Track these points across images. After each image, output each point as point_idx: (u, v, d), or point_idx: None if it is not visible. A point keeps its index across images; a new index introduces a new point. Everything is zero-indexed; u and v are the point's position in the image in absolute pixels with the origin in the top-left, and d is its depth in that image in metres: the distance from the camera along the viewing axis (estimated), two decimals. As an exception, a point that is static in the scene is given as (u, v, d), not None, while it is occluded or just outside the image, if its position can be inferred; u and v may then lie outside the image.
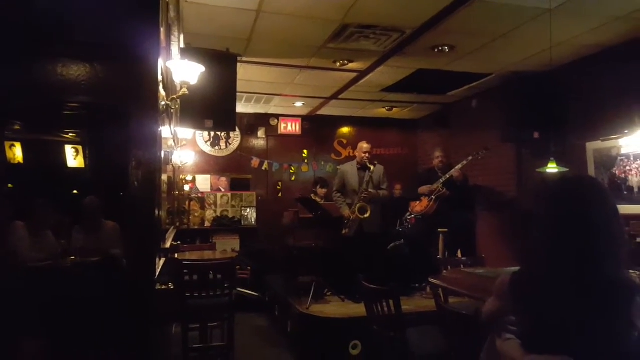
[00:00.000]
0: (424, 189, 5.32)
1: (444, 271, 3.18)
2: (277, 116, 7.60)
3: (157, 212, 2.53)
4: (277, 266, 6.42)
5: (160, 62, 2.42)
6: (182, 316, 4.15)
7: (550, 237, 1.44)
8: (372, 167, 5.04)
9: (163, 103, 2.52)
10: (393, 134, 8.04)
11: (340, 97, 6.36)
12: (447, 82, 5.89)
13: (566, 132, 4.80)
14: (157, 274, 2.53)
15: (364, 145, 5.22)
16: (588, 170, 4.60)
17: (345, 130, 7.98)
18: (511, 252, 5.45)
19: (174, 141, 4.77)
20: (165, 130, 3.49)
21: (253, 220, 7.24)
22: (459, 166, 5.15)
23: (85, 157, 2.69)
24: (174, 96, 2.66)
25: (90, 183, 2.66)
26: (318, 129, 7.77)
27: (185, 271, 4.09)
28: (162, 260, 2.79)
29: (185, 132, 5.04)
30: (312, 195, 6.45)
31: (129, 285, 2.19)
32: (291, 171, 7.68)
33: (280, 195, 7.62)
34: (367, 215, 4.91)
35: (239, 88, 4.91)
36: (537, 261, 1.47)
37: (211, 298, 4.09)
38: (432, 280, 3.03)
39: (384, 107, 7.00)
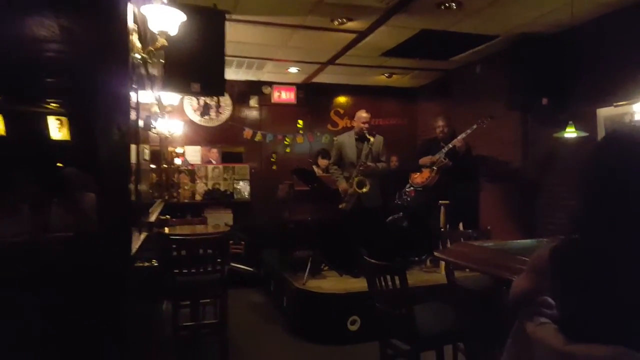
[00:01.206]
0: (424, 159, 5.06)
1: (450, 245, 2.92)
2: (270, 84, 7.25)
3: (133, 183, 2.27)
4: (272, 241, 6.21)
5: (133, 8, 2.10)
6: (171, 293, 3.94)
7: (604, 205, 1.18)
8: (371, 139, 4.76)
9: (138, 56, 2.21)
10: (392, 104, 7.73)
11: (337, 62, 6.01)
12: (450, 47, 5.56)
13: (575, 98, 4.53)
14: (137, 249, 2.27)
15: (363, 115, 4.93)
16: (599, 137, 4.34)
17: (342, 99, 7.65)
18: (516, 224, 5.26)
19: (158, 108, 4.45)
20: (147, 95, 3.17)
21: (246, 193, 6.98)
22: (462, 135, 4.89)
23: (63, 127, 2.40)
24: (152, 48, 2.34)
25: (58, 153, 2.36)
26: (314, 98, 7.44)
27: (173, 246, 3.86)
28: (143, 235, 2.52)
29: (171, 98, 4.72)
30: (314, 166, 6.20)
31: (103, 261, 1.93)
32: (286, 142, 7.39)
33: (274, 167, 7.34)
34: (365, 189, 4.66)
35: (228, 51, 4.58)
36: (589, 233, 1.21)
37: (202, 274, 3.86)
38: (437, 254, 2.80)
39: (383, 74, 6.67)
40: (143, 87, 2.79)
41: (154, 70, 3.62)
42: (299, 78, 7.01)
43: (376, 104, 7.51)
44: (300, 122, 7.46)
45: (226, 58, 5.75)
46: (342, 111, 7.64)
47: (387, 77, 6.71)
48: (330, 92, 7.51)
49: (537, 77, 4.73)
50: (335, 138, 5.11)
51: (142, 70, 2.58)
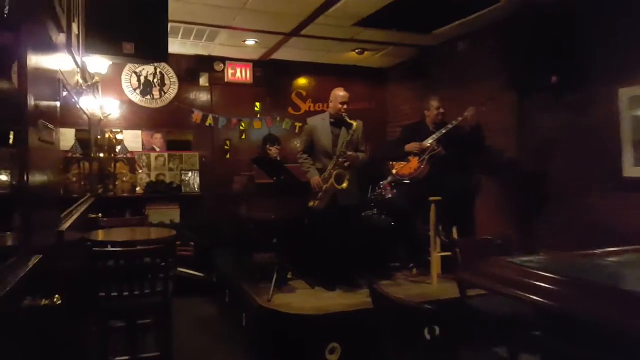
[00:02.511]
0: (411, 146, 4.33)
1: (484, 264, 2.15)
2: (223, 59, 6.27)
3: (24, 175, 1.37)
4: (227, 241, 5.31)
5: None
6: (99, 317, 3.02)
7: None
8: (354, 123, 3.95)
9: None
10: (360, 85, 6.94)
11: (303, 33, 5.15)
12: (434, 17, 4.85)
13: (590, 76, 3.94)
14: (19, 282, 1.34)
15: (340, 93, 4.10)
16: (621, 121, 3.77)
17: (304, 79, 6.79)
18: (512, 224, 4.66)
19: (82, 78, 3.41)
20: (61, 60, 2.19)
21: (196, 186, 6.01)
22: (460, 119, 4.17)
23: None
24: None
25: None
26: (273, 77, 6.54)
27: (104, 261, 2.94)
28: (34, 260, 1.59)
29: (99, 65, 3.68)
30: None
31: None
32: (241, 127, 6.45)
33: (228, 156, 6.40)
34: (344, 185, 3.85)
35: (173, 16, 3.65)
36: None
37: (139, 298, 2.95)
38: (469, 277, 2.04)
39: (354, 50, 5.87)
40: (51, 46, 1.83)
41: (72, 26, 2.61)
42: (256, 53, 6.08)
43: (343, 85, 6.57)
44: (258, 104, 6.55)
45: (171, 24, 4.78)
46: (304, 93, 6.78)
47: (357, 53, 5.92)
48: (291, 70, 6.62)
49: (543, 52, 4.11)
50: (306, 121, 4.24)
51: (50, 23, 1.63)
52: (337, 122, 4.07)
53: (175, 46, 5.70)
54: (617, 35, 3.73)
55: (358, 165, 4.10)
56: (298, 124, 6.61)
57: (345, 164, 3.91)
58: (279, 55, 6.14)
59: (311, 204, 3.99)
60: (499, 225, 4.60)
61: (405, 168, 4.38)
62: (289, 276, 4.24)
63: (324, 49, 5.83)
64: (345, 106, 4.04)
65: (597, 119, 3.91)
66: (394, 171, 4.46)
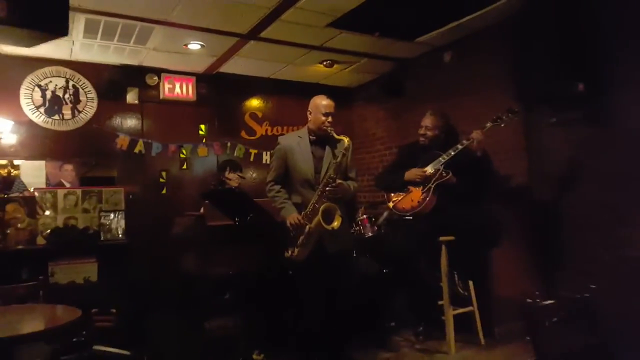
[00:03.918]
0: (414, 173, 3.38)
1: None
2: (157, 71, 5.10)
3: None
4: (166, 307, 4.01)
5: None
6: None
7: None
8: (344, 140, 2.95)
9: None
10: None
11: (263, 35, 4.16)
12: (422, 21, 4.07)
13: (617, 81, 3.26)
14: None
15: (324, 102, 3.09)
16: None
17: (260, 98, 5.76)
18: (536, 271, 3.79)
19: None
20: None
21: (120, 232, 4.64)
22: (477, 135, 3.28)
23: None
24: None
25: None
26: (222, 95, 5.45)
27: None
28: None
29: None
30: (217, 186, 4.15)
31: None
32: (182, 155, 5.25)
33: (164, 191, 5.14)
34: (335, 223, 2.79)
35: (89, 3, 2.54)
36: None
37: None
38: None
39: (322, 62, 4.94)
40: None
41: None
42: (201, 64, 4.99)
43: (304, 107, 5.72)
44: (203, 127, 5.40)
45: (87, 17, 3.63)
46: (260, 114, 5.73)
47: (326, 66, 4.99)
48: (244, 87, 5.57)
49: (558, 56, 3.40)
50: (279, 141, 3.15)
51: None
52: (320, 140, 3.05)
53: (95, 52, 4.50)
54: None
55: (348, 197, 3.08)
56: (253, 151, 5.54)
57: (335, 196, 2.87)
58: (229, 67, 5.09)
59: (288, 253, 2.87)
60: (517, 272, 3.71)
61: (405, 200, 3.41)
62: (257, 355, 3.07)
63: (287, 59, 4.85)
64: (330, 118, 3.03)
65: (634, 131, 3.21)
66: (390, 204, 3.47)
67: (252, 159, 5.52)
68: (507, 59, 3.89)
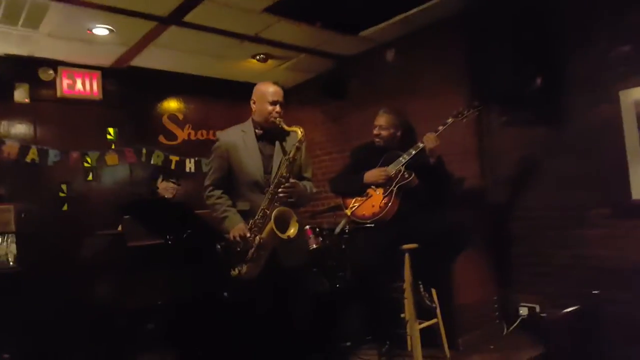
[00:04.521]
0: (375, 174, 3.02)
1: None
2: (53, 63, 4.29)
3: None
4: (74, 348, 3.23)
5: None
6: None
7: None
8: (298, 131, 2.51)
9: None
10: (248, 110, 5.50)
11: (187, 19, 3.59)
12: (367, 12, 3.77)
13: (575, 79, 3.19)
14: None
15: (270, 89, 2.64)
16: (625, 129, 3.03)
17: (181, 99, 5.09)
18: (495, 276, 3.60)
19: None
20: None
21: (10, 258, 3.76)
22: (428, 141, 2.98)
23: None
24: None
25: None
26: (134, 93, 4.73)
27: None
28: None
29: None
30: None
31: None
32: (86, 164, 4.44)
33: (66, 208, 4.30)
34: (291, 231, 2.35)
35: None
36: None
37: None
38: None
39: (255, 56, 4.45)
40: None
41: None
42: (109, 55, 4.27)
43: (233, 108, 5.17)
44: (112, 131, 4.64)
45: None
46: (181, 116, 5.08)
47: (259, 60, 4.50)
48: (162, 85, 4.89)
49: (514, 52, 3.26)
50: (217, 137, 2.63)
51: None
52: (268, 134, 2.60)
53: (-31, 36, 3.62)
54: (618, 17, 3.03)
55: (305, 201, 2.65)
56: (174, 158, 4.89)
57: (288, 199, 2.42)
58: (144, 60, 4.41)
59: (235, 272, 2.35)
60: (474, 278, 3.51)
61: (365, 206, 3.03)
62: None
63: (215, 51, 4.29)
64: (278, 108, 2.58)
65: (588, 131, 3.15)
66: (348, 212, 3.06)
67: (173, 166, 4.85)
68: (458, 57, 3.73)
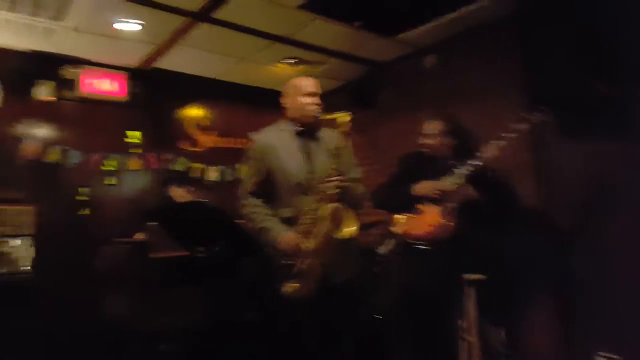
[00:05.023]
0: (428, 186, 2.71)
1: None
2: (77, 62, 4.13)
3: None
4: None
5: None
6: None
7: None
8: (344, 115, 2.26)
9: None
10: (279, 119, 5.25)
11: (218, 15, 3.41)
12: (411, 13, 3.54)
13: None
14: None
15: (304, 81, 2.41)
16: None
17: (206, 103, 4.90)
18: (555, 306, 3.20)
19: None
20: None
21: (27, 263, 3.57)
22: (496, 144, 2.69)
23: None
24: None
25: None
26: (160, 96, 4.56)
27: None
28: None
29: None
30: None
31: None
32: (108, 167, 4.25)
33: (86, 212, 4.10)
34: (352, 228, 2.09)
35: None
36: None
37: None
38: None
39: (286, 60, 4.24)
40: None
41: None
42: (135, 54, 4.11)
43: (259, 116, 4.96)
44: (136, 134, 4.45)
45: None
46: (206, 123, 4.88)
47: (292, 65, 4.30)
48: (187, 88, 4.71)
49: (579, 52, 2.97)
50: (252, 139, 2.40)
51: None
52: (308, 129, 2.33)
53: (-6, 30, 3.48)
54: None
55: (359, 202, 2.37)
56: (197, 166, 4.67)
57: (340, 197, 2.14)
58: (170, 62, 4.25)
59: (288, 288, 2.08)
60: (539, 317, 3.12)
61: (417, 223, 2.70)
62: None
63: (243, 53, 4.10)
64: (315, 100, 2.33)
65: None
66: (396, 229, 2.76)
67: (199, 174, 4.65)
68: (509, 61, 3.44)
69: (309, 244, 2.04)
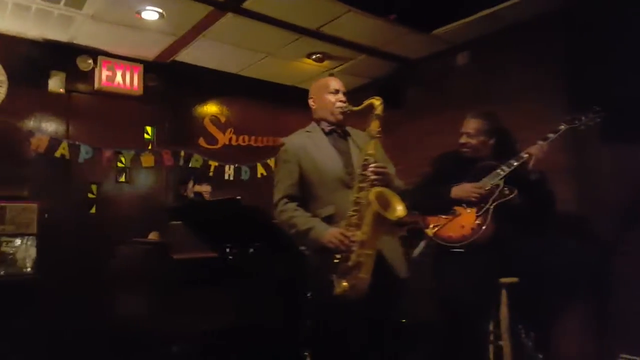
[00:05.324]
0: (467, 189, 2.55)
1: None
2: (94, 52, 3.97)
3: None
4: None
5: None
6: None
7: None
8: (374, 101, 2.09)
9: None
10: (297, 118, 5.05)
11: (245, 5, 3.23)
12: (447, 7, 3.37)
13: None
14: None
15: (329, 81, 2.33)
16: None
17: (225, 99, 4.72)
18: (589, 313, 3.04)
19: None
20: None
21: (29, 263, 3.40)
22: (536, 151, 2.51)
23: None
24: None
25: None
26: (176, 90, 4.39)
27: None
28: None
29: None
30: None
31: None
32: (120, 164, 4.07)
33: (94, 210, 3.91)
34: (399, 209, 1.89)
35: None
36: None
37: None
38: None
39: (311, 55, 4.07)
40: None
41: None
42: (154, 46, 3.94)
43: (279, 115, 4.85)
44: (150, 130, 4.28)
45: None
46: (223, 119, 4.70)
47: (315, 60, 4.13)
48: (205, 83, 4.53)
49: (626, 50, 2.79)
50: (284, 143, 2.24)
51: None
52: (339, 128, 2.27)
53: (8, 15, 3.33)
54: None
55: (397, 190, 2.18)
56: (213, 163, 4.48)
57: (379, 182, 1.99)
58: (189, 55, 4.08)
59: (341, 288, 1.87)
60: (571, 322, 2.96)
61: (452, 226, 2.55)
62: None
63: (268, 47, 3.93)
64: (342, 97, 2.25)
65: None
66: (430, 231, 2.59)
67: (211, 172, 4.45)
68: (551, 59, 3.29)
69: (361, 234, 1.86)
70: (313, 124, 2.33)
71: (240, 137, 4.73)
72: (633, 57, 2.82)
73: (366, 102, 2.10)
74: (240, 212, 1.77)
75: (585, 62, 3.03)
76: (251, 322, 2.09)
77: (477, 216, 2.49)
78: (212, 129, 4.61)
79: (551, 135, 2.56)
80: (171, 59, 4.15)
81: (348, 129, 2.26)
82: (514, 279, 2.43)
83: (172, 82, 4.32)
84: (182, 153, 4.35)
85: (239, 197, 1.69)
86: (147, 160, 4.19)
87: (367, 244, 1.88)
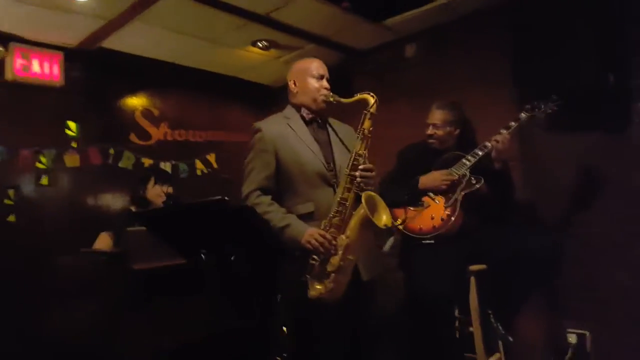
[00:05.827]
0: (436, 177, 2.57)
1: None
2: (4, 38, 3.49)
3: None
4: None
5: None
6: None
7: None
8: (368, 97, 2.06)
9: None
10: (238, 110, 4.90)
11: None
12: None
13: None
14: None
15: (313, 63, 2.28)
16: None
17: (157, 90, 4.39)
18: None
19: None
20: None
21: None
22: (504, 132, 2.61)
23: None
24: None
25: None
26: (103, 81, 4.00)
27: None
28: None
29: None
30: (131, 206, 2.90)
31: None
32: (40, 165, 3.64)
33: (12, 219, 3.46)
34: (386, 219, 1.91)
35: None
36: None
37: None
38: None
39: (256, 42, 3.89)
40: None
41: None
42: (78, 30, 3.54)
43: (217, 107, 4.64)
44: (73, 125, 3.86)
45: None
46: (156, 112, 4.38)
47: (261, 48, 3.95)
48: (137, 73, 4.17)
49: (573, 42, 2.96)
50: (256, 127, 2.09)
51: None
52: (320, 117, 2.21)
53: None
54: None
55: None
56: (147, 161, 4.17)
57: (367, 186, 1.96)
58: (119, 40, 3.72)
59: (315, 291, 1.79)
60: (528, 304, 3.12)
61: (422, 218, 2.57)
62: None
63: (211, 33, 3.69)
64: (327, 84, 2.17)
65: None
66: (399, 224, 2.57)
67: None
68: (500, 51, 3.36)
69: (344, 238, 1.78)
70: (291, 109, 2.20)
71: (177, 132, 4.44)
72: (579, 49, 2.98)
73: (358, 97, 2.02)
74: (226, 214, 1.61)
75: (533, 53, 3.16)
76: (225, 330, 1.94)
77: (446, 207, 2.52)
78: (144, 123, 4.27)
79: (513, 124, 2.65)
80: (97, 45, 3.76)
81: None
82: (483, 266, 2.50)
83: (99, 72, 3.93)
84: (112, 150, 4.00)
85: (226, 198, 1.53)
86: (72, 159, 3.79)
87: (351, 249, 1.83)
